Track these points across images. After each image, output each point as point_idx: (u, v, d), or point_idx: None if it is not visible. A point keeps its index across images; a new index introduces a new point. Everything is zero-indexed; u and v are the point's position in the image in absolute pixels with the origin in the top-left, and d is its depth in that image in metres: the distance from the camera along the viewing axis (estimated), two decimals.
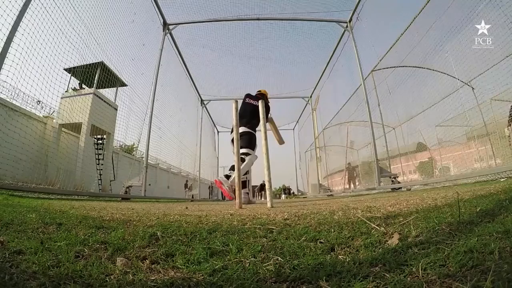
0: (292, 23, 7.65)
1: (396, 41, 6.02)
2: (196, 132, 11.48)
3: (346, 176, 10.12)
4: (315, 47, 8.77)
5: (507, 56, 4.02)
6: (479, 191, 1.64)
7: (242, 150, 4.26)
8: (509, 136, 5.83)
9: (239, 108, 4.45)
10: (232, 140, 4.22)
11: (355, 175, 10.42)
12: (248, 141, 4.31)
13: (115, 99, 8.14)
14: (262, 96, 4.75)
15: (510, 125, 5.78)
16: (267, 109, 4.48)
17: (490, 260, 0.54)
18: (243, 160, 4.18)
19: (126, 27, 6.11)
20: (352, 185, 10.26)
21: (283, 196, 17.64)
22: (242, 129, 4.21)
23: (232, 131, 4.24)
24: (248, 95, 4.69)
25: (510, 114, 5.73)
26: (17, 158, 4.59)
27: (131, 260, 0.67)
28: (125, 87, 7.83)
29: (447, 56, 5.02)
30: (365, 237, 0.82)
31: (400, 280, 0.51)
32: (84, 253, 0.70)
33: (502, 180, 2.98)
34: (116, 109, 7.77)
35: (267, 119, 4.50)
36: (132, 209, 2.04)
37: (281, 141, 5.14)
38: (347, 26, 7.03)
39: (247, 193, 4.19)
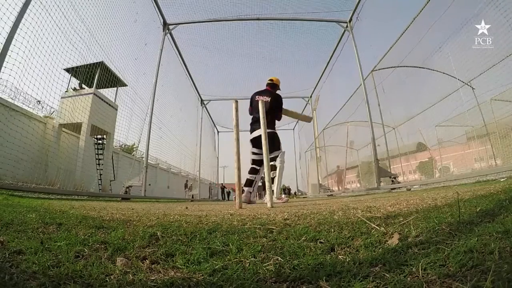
0: (292, 23, 7.65)
1: (396, 41, 6.03)
2: (196, 132, 11.48)
3: (335, 179, 10.22)
4: (315, 47, 8.79)
5: (507, 56, 4.03)
6: (479, 191, 1.64)
7: (271, 155, 4.09)
8: None
9: (250, 109, 4.26)
10: (252, 141, 4.14)
11: (343, 178, 10.57)
12: (271, 143, 4.07)
13: (115, 99, 8.15)
14: (274, 87, 4.40)
15: None
16: (279, 101, 4.22)
17: (490, 260, 0.54)
18: (274, 167, 4.03)
19: (126, 27, 6.11)
20: (340, 187, 10.39)
21: (283, 196, 17.63)
22: (259, 132, 4.11)
23: (251, 131, 4.15)
24: (257, 93, 4.33)
25: None
26: (18, 158, 4.59)
27: (131, 260, 0.67)
28: (125, 87, 7.84)
29: (448, 55, 5.02)
30: (365, 237, 0.82)
31: (400, 280, 0.51)
32: (84, 253, 0.70)
33: (502, 180, 2.98)
34: (116, 109, 7.77)
35: (281, 112, 4.28)
36: (132, 209, 2.04)
37: (308, 119, 5.01)
38: (347, 26, 7.03)
39: (250, 192, 4.11)
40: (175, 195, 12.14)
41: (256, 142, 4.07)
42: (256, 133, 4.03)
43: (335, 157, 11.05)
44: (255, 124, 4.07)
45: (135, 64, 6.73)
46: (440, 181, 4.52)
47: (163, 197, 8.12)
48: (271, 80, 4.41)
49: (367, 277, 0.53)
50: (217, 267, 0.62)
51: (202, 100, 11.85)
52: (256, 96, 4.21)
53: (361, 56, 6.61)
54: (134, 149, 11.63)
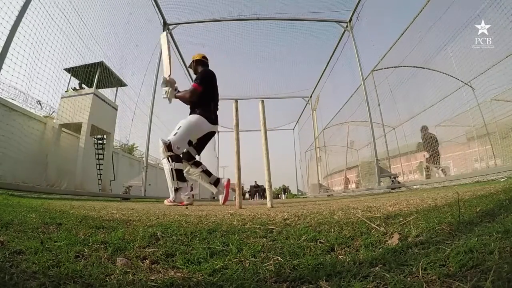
0: (292, 23, 7.65)
1: (396, 41, 6.03)
2: None
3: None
4: (315, 47, 8.80)
5: (507, 56, 4.03)
6: (479, 191, 1.64)
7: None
8: (427, 167, 6.49)
9: (200, 89, 3.37)
10: (205, 136, 3.50)
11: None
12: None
13: (115, 99, 8.14)
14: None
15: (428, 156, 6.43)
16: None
17: (490, 260, 0.54)
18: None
19: (126, 27, 6.12)
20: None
21: (283, 196, 17.70)
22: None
23: (216, 122, 3.53)
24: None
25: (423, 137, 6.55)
26: (18, 158, 4.59)
27: (131, 260, 0.67)
28: (125, 87, 7.84)
29: (448, 55, 5.02)
30: (365, 237, 0.82)
31: (400, 280, 0.51)
32: (84, 253, 0.70)
33: (502, 180, 2.98)
34: (116, 109, 7.77)
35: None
36: (132, 209, 2.04)
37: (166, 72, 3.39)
38: (347, 26, 7.03)
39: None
40: None
41: (207, 140, 3.59)
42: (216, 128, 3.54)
43: (335, 157, 11.05)
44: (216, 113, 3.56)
45: (135, 64, 6.75)
46: (440, 181, 4.52)
47: (163, 197, 8.12)
48: (207, 59, 3.77)
49: (367, 277, 0.53)
50: (217, 267, 0.62)
51: None
52: (216, 80, 3.64)
53: (361, 56, 6.62)
54: (135, 149, 11.63)
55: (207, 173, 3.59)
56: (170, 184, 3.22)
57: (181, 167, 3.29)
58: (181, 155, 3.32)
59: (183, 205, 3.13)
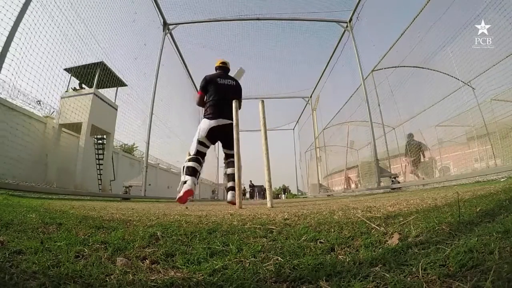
0: (292, 23, 7.65)
1: (396, 41, 6.03)
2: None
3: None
4: (315, 47, 8.80)
5: (507, 56, 4.03)
6: (479, 191, 1.64)
7: (232, 151, 3.54)
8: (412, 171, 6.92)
9: (200, 96, 3.81)
10: (211, 133, 3.61)
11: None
12: (232, 138, 3.84)
13: (115, 99, 8.14)
14: (228, 72, 4.05)
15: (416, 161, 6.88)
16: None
17: (490, 260, 0.54)
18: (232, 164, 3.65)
19: (126, 27, 6.13)
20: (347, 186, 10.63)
21: (283, 196, 17.71)
22: (228, 121, 3.52)
23: (220, 116, 3.58)
24: (218, 76, 3.83)
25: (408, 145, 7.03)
26: (18, 158, 4.59)
27: (131, 260, 0.67)
28: (126, 87, 7.85)
29: (448, 55, 5.02)
30: (365, 237, 0.82)
31: (400, 280, 0.51)
32: (84, 253, 0.70)
33: (502, 180, 2.98)
34: (116, 109, 7.76)
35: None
36: (132, 209, 2.04)
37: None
38: (347, 26, 7.03)
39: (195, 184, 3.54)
40: (175, 195, 12.09)
41: (223, 134, 3.62)
42: (226, 121, 3.53)
43: (335, 157, 11.05)
44: (226, 108, 3.43)
45: (135, 64, 6.76)
46: (440, 181, 4.52)
47: (163, 197, 8.12)
48: (225, 63, 4.01)
49: (367, 277, 0.53)
50: (217, 267, 0.62)
51: None
52: (219, 79, 3.78)
53: (361, 56, 6.62)
54: (134, 149, 11.64)
55: (228, 177, 3.90)
56: (181, 178, 3.65)
57: (192, 164, 3.65)
58: (199, 157, 3.73)
59: (182, 201, 3.43)
